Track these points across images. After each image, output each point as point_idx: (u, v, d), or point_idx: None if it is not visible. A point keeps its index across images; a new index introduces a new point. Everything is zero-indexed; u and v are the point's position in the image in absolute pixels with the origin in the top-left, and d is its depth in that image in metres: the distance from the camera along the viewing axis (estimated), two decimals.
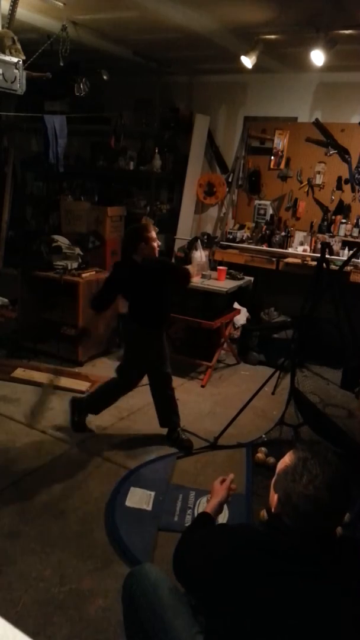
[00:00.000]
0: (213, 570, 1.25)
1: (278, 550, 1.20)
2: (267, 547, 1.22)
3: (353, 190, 4.62)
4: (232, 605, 1.19)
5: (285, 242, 4.85)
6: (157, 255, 2.99)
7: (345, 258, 4.34)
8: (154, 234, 2.95)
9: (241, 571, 1.20)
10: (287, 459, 1.26)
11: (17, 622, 1.91)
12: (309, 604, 1.14)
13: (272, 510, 1.28)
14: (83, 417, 3.25)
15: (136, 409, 3.59)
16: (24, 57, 2.95)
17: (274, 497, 1.27)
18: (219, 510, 1.65)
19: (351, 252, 4.35)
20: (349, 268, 4.34)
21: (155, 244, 2.94)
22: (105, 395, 3.24)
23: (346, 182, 4.63)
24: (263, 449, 3.12)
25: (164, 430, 3.27)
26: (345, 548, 1.27)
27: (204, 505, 2.61)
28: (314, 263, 4.08)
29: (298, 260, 4.59)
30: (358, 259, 4.46)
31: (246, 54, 3.67)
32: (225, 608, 1.20)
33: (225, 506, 1.70)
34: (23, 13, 3.37)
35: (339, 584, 1.19)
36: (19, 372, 4.03)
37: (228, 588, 1.20)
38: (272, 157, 4.99)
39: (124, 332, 3.36)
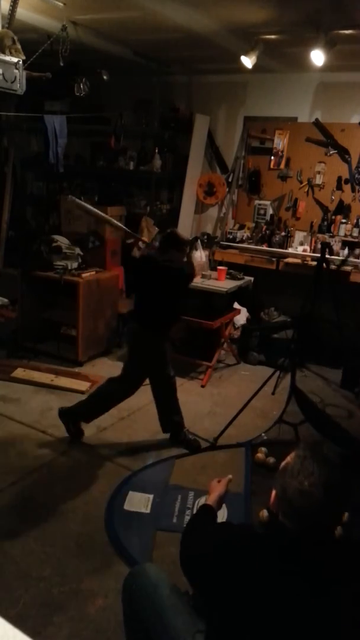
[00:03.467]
0: (214, 567, 1.26)
1: (276, 549, 1.20)
2: (267, 546, 1.23)
3: (353, 190, 4.62)
4: (230, 603, 1.19)
5: (285, 242, 4.85)
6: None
7: (345, 258, 4.36)
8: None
9: (239, 570, 1.21)
10: (288, 458, 1.28)
11: (17, 622, 1.90)
12: (308, 604, 1.14)
13: (272, 508, 1.29)
14: (78, 424, 3.19)
15: (136, 409, 3.59)
16: (24, 57, 2.95)
17: (273, 495, 1.28)
18: (219, 503, 1.68)
19: (349, 251, 4.38)
20: (348, 268, 4.35)
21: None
22: (103, 400, 3.14)
23: (346, 182, 4.63)
24: (263, 449, 3.12)
25: None
26: (346, 550, 1.28)
27: None
28: (314, 263, 4.08)
29: (298, 260, 4.59)
30: (358, 259, 4.47)
31: (246, 54, 3.67)
32: (225, 606, 1.20)
33: (224, 505, 1.71)
34: (23, 13, 3.37)
35: (340, 587, 1.19)
36: (19, 372, 4.03)
37: (227, 586, 1.21)
38: (272, 157, 4.99)
39: (126, 334, 3.38)
